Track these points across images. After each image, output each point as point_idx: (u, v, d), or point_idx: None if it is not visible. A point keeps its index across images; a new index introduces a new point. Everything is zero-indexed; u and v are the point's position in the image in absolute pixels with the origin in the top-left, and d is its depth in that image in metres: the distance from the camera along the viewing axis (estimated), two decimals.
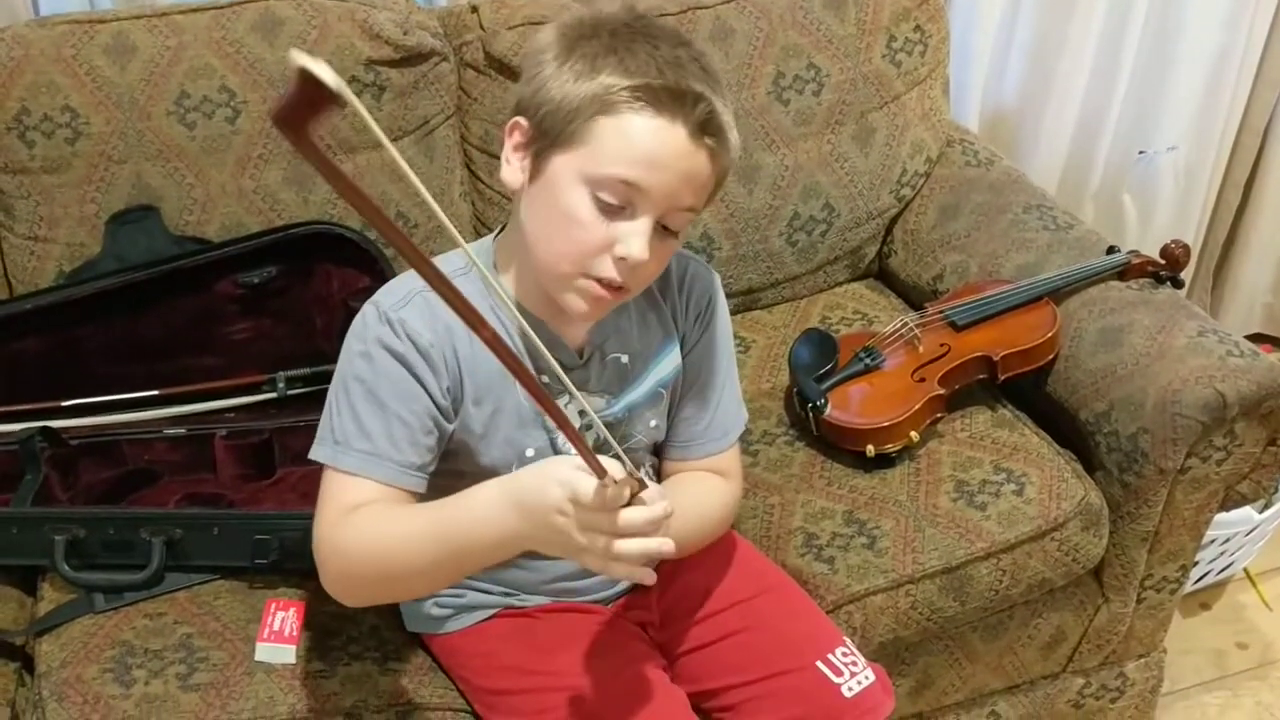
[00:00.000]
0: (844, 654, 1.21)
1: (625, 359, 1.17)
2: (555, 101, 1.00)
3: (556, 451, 1.14)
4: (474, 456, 1.13)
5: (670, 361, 1.19)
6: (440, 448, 1.11)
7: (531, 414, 1.12)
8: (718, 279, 1.24)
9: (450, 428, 1.10)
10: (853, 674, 1.19)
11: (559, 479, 0.92)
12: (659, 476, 1.26)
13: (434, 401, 1.08)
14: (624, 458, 0.92)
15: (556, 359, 1.10)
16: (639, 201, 1.00)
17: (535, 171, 1.04)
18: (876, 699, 1.19)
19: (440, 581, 1.12)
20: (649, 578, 0.97)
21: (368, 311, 1.09)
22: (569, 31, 1.02)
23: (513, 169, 1.06)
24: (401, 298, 1.08)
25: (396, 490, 1.07)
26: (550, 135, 1.01)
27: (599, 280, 1.03)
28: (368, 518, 1.04)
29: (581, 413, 1.14)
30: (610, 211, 1.00)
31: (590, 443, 1.13)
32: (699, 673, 1.22)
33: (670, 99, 0.98)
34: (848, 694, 1.18)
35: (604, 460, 0.90)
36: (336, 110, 0.61)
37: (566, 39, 1.02)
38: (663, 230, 1.03)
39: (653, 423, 1.20)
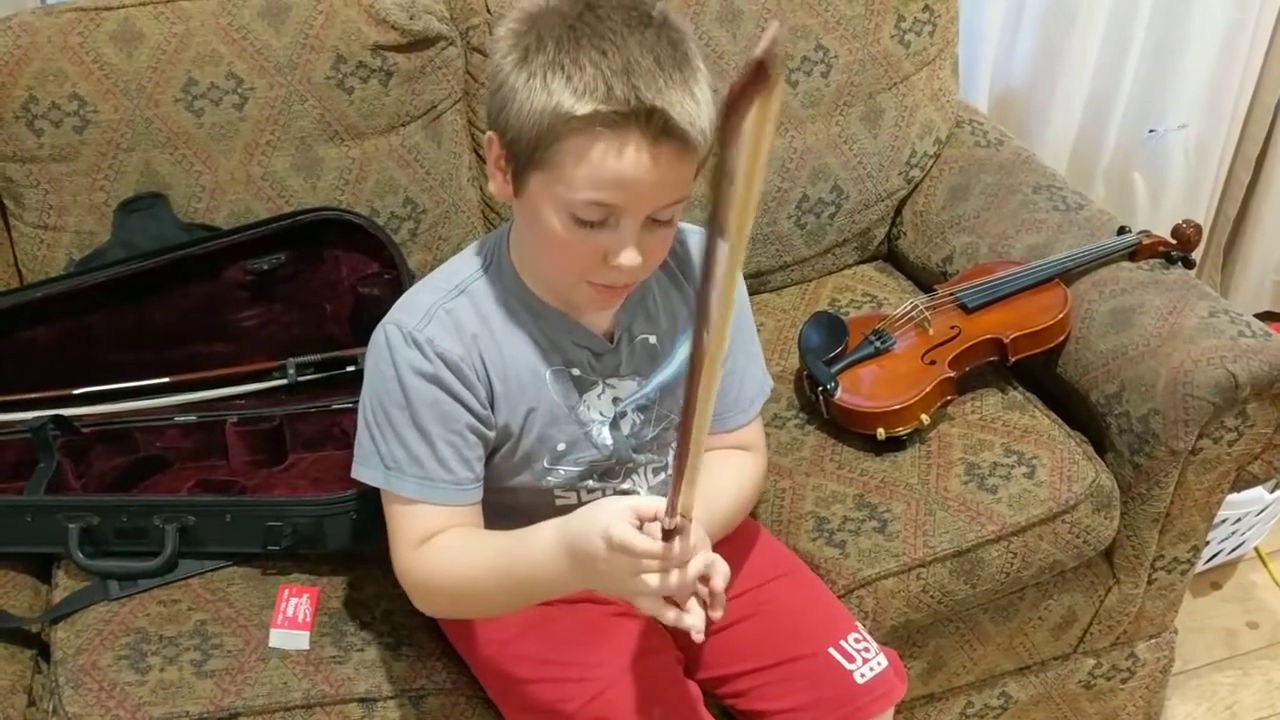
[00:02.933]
0: (856, 640, 1.21)
1: (654, 339, 1.17)
2: (518, 125, 0.98)
3: (591, 443, 1.15)
4: (508, 452, 1.14)
5: None
6: (488, 451, 1.13)
7: (564, 410, 1.13)
8: None
9: (491, 436, 1.12)
10: (865, 660, 1.20)
11: (602, 529, 0.93)
12: None
13: (474, 415, 1.09)
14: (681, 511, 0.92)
15: (585, 347, 1.12)
16: (617, 214, 0.99)
17: (518, 188, 1.03)
18: (888, 684, 1.20)
19: (518, 607, 1.15)
20: (698, 625, 0.96)
21: (391, 334, 1.08)
22: (520, 38, 0.99)
23: (499, 184, 1.06)
24: (423, 315, 1.08)
25: (458, 508, 1.10)
26: (521, 158, 1.00)
27: (602, 285, 1.04)
28: (440, 553, 1.09)
29: (615, 400, 1.15)
30: (593, 226, 1.00)
31: (626, 430, 1.16)
32: (712, 659, 1.23)
33: (622, 120, 0.94)
34: (860, 680, 1.18)
35: (650, 499, 0.93)
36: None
37: (519, 45, 0.99)
38: (654, 223, 1.02)
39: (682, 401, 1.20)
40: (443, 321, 1.08)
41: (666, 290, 1.18)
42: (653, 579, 0.94)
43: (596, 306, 1.10)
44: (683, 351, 1.17)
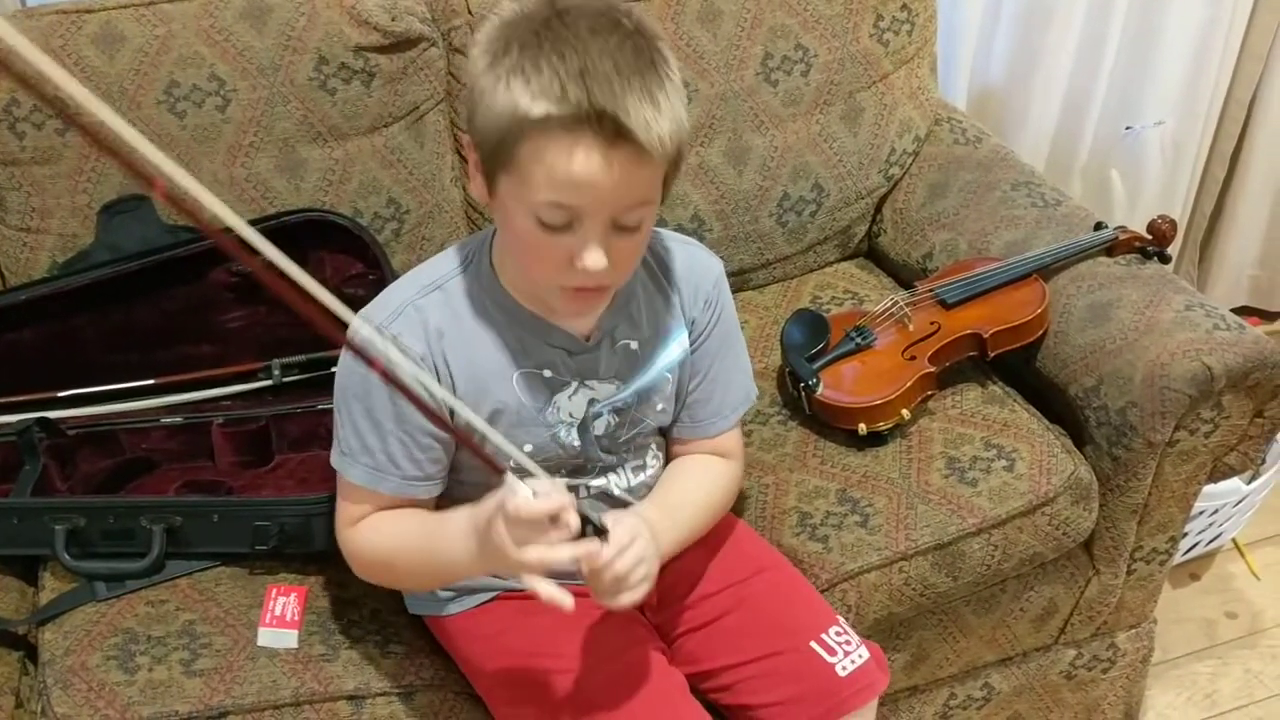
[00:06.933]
0: (837, 633, 1.23)
1: (635, 345, 1.17)
2: (484, 128, 1.00)
3: (558, 444, 1.16)
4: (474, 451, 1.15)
5: (678, 345, 1.20)
6: (449, 452, 1.14)
7: (531, 413, 1.14)
8: (720, 264, 1.25)
9: (448, 438, 1.12)
10: (846, 653, 1.21)
11: (498, 499, 0.96)
12: (666, 457, 1.28)
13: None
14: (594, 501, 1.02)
15: (558, 346, 1.13)
16: (579, 216, 0.99)
17: (490, 190, 1.04)
18: (870, 677, 1.21)
19: (441, 583, 1.20)
20: (565, 600, 0.97)
21: (361, 327, 1.09)
22: (491, 43, 1.00)
23: (477, 185, 1.06)
24: (392, 312, 1.10)
25: (400, 499, 1.13)
26: (489, 159, 1.01)
27: (575, 289, 1.04)
28: (369, 532, 1.14)
29: (591, 401, 1.16)
30: (557, 229, 0.99)
31: (600, 431, 1.17)
32: (695, 654, 1.24)
33: (575, 123, 0.94)
34: (841, 673, 1.20)
35: (535, 480, 0.96)
36: None
37: (489, 50, 1.00)
38: (626, 228, 1.01)
39: (659, 406, 1.21)
40: (410, 319, 1.09)
41: (651, 296, 1.19)
42: (533, 551, 0.96)
43: (573, 312, 1.10)
44: (663, 359, 1.19)
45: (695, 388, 1.23)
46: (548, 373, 1.14)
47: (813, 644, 1.21)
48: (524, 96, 0.95)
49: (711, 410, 1.24)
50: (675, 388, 1.22)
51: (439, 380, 1.10)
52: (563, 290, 1.04)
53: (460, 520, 1.05)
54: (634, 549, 1.03)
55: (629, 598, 1.03)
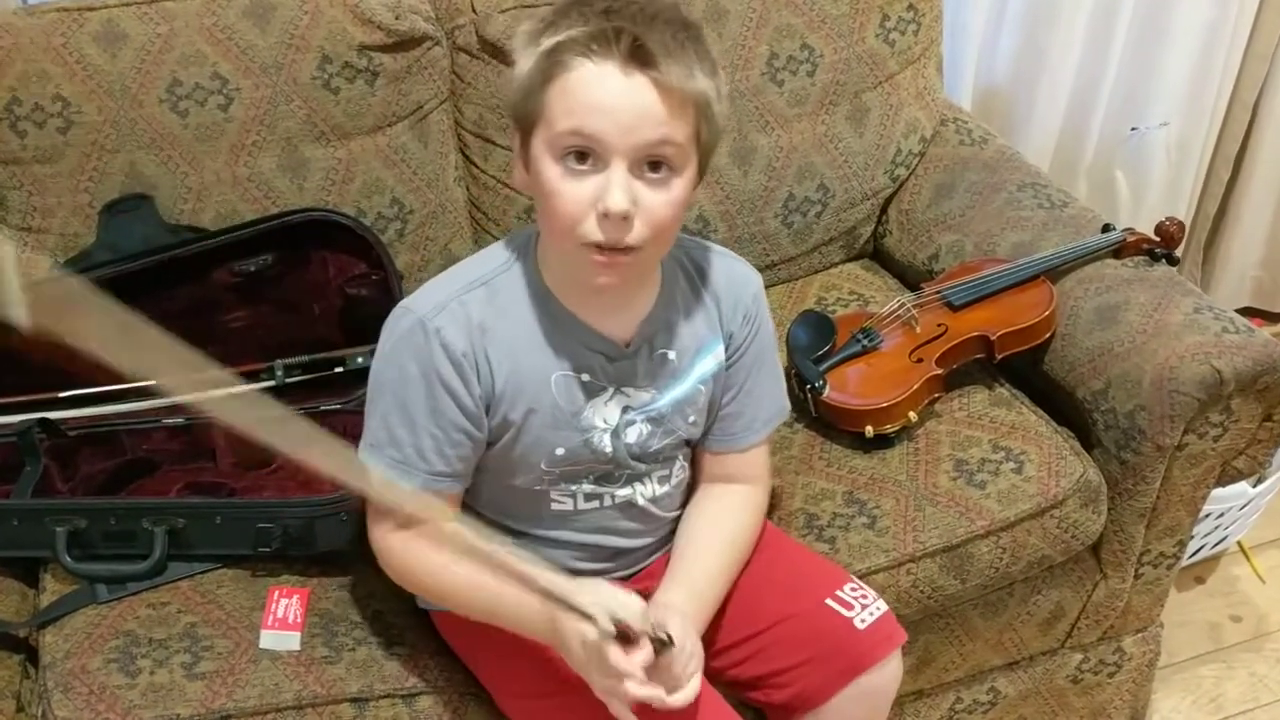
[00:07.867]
0: (852, 589, 1.22)
1: (672, 355, 1.17)
2: (519, 89, 1.03)
3: (590, 450, 1.15)
4: (505, 448, 1.14)
5: (713, 358, 1.19)
6: (477, 451, 1.13)
7: (566, 415, 1.13)
8: (759, 278, 1.24)
9: (481, 436, 1.12)
10: (863, 606, 1.20)
11: (589, 632, 1.01)
12: (694, 467, 1.26)
13: (465, 413, 1.10)
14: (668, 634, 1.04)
15: (598, 350, 1.12)
16: (599, 151, 0.99)
17: (528, 164, 1.05)
18: (891, 627, 1.20)
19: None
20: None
21: (403, 318, 1.10)
22: (528, 27, 1.04)
23: (519, 172, 1.07)
24: (436, 304, 1.09)
25: (428, 494, 1.12)
26: (523, 123, 1.04)
27: (596, 245, 1.02)
28: (417, 556, 1.12)
29: (625, 409, 1.15)
30: (581, 173, 1.00)
31: (633, 439, 1.17)
32: (710, 636, 1.22)
33: (592, 41, 0.98)
34: (860, 626, 1.18)
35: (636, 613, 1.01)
36: None
37: (527, 32, 1.04)
38: (652, 177, 1.01)
39: (691, 418, 1.20)
40: (454, 313, 1.09)
41: (690, 307, 1.18)
42: (619, 693, 1.02)
43: (602, 284, 1.06)
44: (697, 371, 1.18)
45: (728, 401, 1.22)
46: (585, 376, 1.13)
47: (828, 601, 1.20)
48: (548, 40, 0.99)
49: (743, 424, 1.23)
50: (708, 400, 1.21)
51: (478, 377, 1.09)
52: (589, 251, 1.02)
53: (538, 607, 1.05)
54: (688, 649, 1.06)
55: (682, 697, 1.05)
